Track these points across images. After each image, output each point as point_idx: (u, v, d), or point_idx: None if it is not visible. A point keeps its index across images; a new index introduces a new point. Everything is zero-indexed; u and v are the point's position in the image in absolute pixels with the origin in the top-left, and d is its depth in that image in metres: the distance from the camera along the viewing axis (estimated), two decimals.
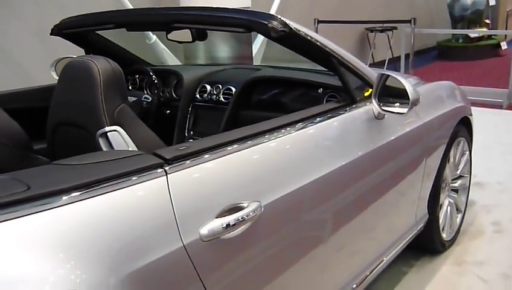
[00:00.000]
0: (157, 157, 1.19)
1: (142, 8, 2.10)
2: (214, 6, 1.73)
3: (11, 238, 0.91)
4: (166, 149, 1.24)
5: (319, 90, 2.21)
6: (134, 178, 1.10)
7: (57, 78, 2.58)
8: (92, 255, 0.97)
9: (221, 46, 4.71)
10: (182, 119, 2.57)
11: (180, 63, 4.19)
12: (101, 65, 1.40)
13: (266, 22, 1.57)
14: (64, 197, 0.99)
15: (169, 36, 2.41)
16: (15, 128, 1.96)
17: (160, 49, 4.31)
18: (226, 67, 2.82)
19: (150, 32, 4.26)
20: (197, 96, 2.60)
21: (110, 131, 1.35)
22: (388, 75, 1.78)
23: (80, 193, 1.01)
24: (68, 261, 0.94)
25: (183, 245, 1.13)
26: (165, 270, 1.10)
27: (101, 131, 1.35)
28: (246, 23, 1.61)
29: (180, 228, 1.14)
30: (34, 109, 2.09)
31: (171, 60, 4.30)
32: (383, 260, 2.07)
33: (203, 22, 1.74)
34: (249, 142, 1.38)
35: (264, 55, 4.84)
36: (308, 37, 1.67)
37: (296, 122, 1.58)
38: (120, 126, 1.35)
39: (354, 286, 1.84)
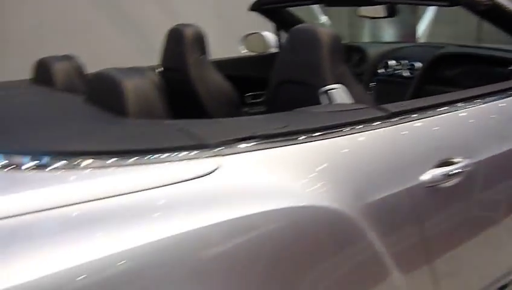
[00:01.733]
0: (382, 110, 1.36)
1: None
2: None
3: (277, 160, 1.14)
4: (389, 104, 1.40)
5: (510, 67, 2.23)
6: (360, 126, 1.28)
7: (245, 51, 2.91)
8: (339, 181, 1.18)
9: (386, 26, 4.79)
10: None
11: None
12: (325, 31, 1.60)
13: None
14: (315, 134, 1.21)
15: (361, 12, 2.57)
16: (230, 89, 2.28)
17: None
18: (407, 45, 2.92)
19: (321, 12, 4.47)
20: (380, 71, 2.73)
21: (333, 88, 1.55)
22: None
23: (323, 133, 1.22)
24: (320, 181, 1.15)
25: (407, 188, 1.29)
26: (390, 209, 1.27)
27: (324, 88, 1.56)
28: None
29: (403, 174, 1.31)
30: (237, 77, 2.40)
31: None
32: None
33: None
34: (459, 104, 1.51)
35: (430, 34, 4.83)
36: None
37: (496, 92, 1.67)
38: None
39: None
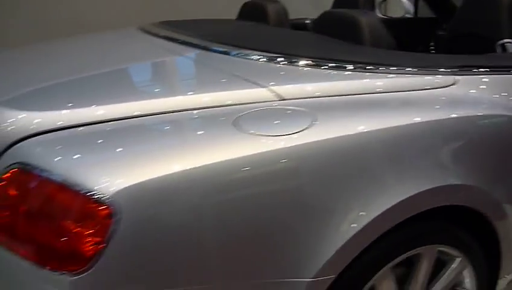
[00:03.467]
0: None
1: None
2: None
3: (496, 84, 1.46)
4: None
5: None
6: None
7: (381, 15, 3.14)
8: None
9: None
10: None
11: None
12: None
13: None
14: None
15: None
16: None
17: None
18: None
19: None
20: None
21: (509, 42, 1.81)
22: None
23: None
24: None
25: None
26: None
27: (501, 41, 1.82)
28: None
29: None
30: None
31: None
32: None
33: None
34: None
35: None
36: None
37: None
38: None
39: None
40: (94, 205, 0.99)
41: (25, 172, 1.07)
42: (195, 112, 1.18)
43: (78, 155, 1.08)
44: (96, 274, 0.99)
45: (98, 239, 0.99)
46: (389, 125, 1.22)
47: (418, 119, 1.27)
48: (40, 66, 1.63)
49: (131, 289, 1.02)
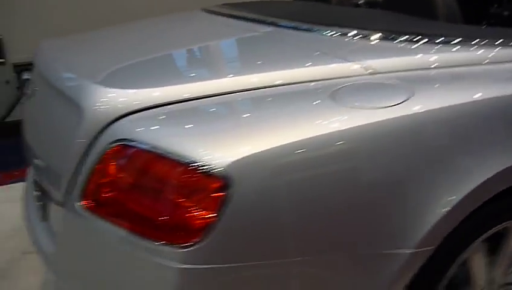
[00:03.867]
0: None
1: None
2: None
3: None
4: None
5: None
6: None
7: None
8: None
9: None
10: None
11: None
12: None
13: None
14: None
15: None
16: None
17: None
18: None
19: None
20: None
21: None
22: None
23: None
24: None
25: None
26: None
27: None
28: None
29: None
30: None
31: None
32: None
33: None
34: None
35: None
36: None
37: None
38: None
39: None
40: (206, 179, 1.01)
41: (132, 148, 1.10)
42: (293, 85, 1.19)
43: (186, 128, 1.10)
44: (207, 247, 1.01)
45: (209, 212, 1.01)
46: (485, 97, 1.20)
47: None
48: (125, 46, 1.66)
49: (242, 261, 1.04)
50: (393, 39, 1.40)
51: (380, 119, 1.10)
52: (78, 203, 1.17)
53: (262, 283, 1.07)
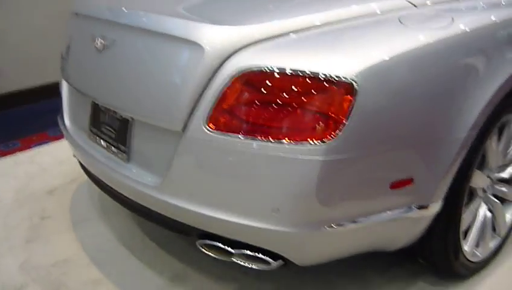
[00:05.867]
0: None
1: None
2: None
3: None
4: None
5: None
6: None
7: None
8: None
9: None
10: None
11: None
12: None
13: None
14: None
15: None
16: None
17: None
18: None
19: None
20: None
21: None
22: None
23: None
24: None
25: None
26: None
27: None
28: None
29: None
30: None
31: None
32: None
33: None
34: None
35: None
36: None
37: None
38: None
39: None
40: (336, 86, 1.28)
41: (262, 73, 1.32)
42: (368, 18, 1.51)
43: (306, 52, 1.36)
44: (341, 142, 1.29)
45: (341, 114, 1.29)
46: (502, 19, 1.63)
47: None
48: None
49: (366, 154, 1.36)
50: None
51: (440, 35, 1.44)
52: (205, 127, 1.38)
53: (380, 166, 1.40)
